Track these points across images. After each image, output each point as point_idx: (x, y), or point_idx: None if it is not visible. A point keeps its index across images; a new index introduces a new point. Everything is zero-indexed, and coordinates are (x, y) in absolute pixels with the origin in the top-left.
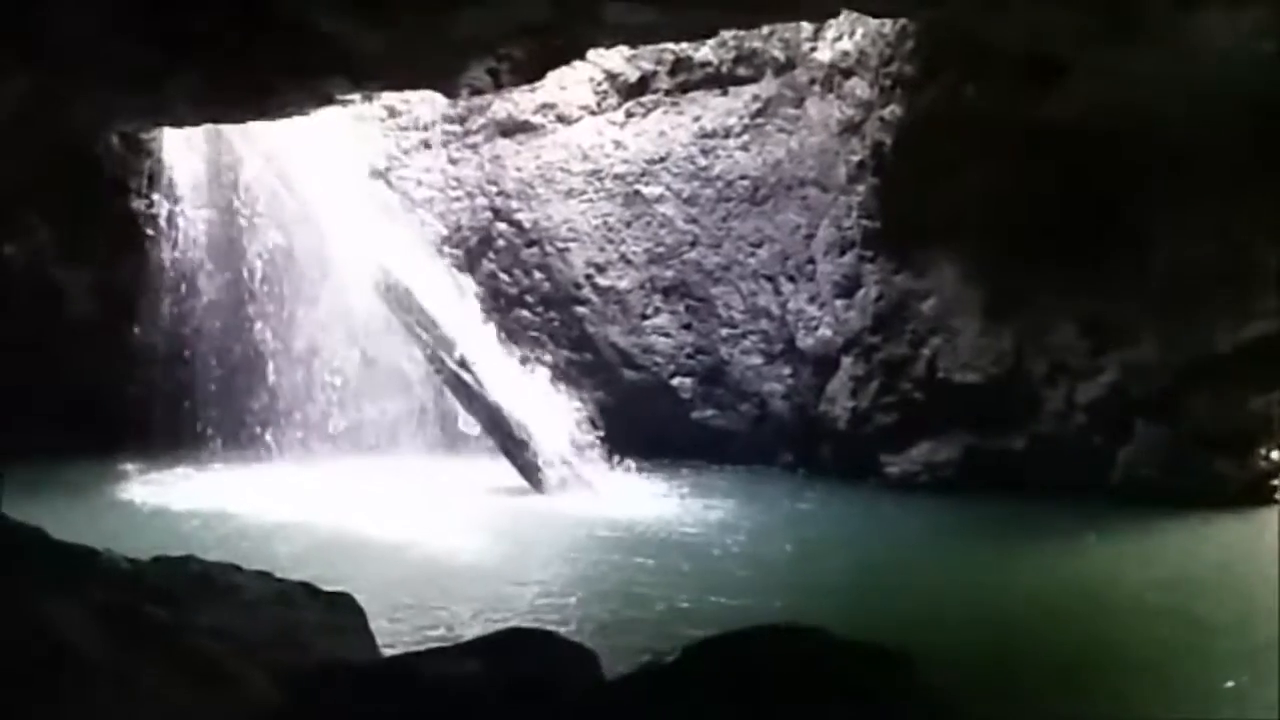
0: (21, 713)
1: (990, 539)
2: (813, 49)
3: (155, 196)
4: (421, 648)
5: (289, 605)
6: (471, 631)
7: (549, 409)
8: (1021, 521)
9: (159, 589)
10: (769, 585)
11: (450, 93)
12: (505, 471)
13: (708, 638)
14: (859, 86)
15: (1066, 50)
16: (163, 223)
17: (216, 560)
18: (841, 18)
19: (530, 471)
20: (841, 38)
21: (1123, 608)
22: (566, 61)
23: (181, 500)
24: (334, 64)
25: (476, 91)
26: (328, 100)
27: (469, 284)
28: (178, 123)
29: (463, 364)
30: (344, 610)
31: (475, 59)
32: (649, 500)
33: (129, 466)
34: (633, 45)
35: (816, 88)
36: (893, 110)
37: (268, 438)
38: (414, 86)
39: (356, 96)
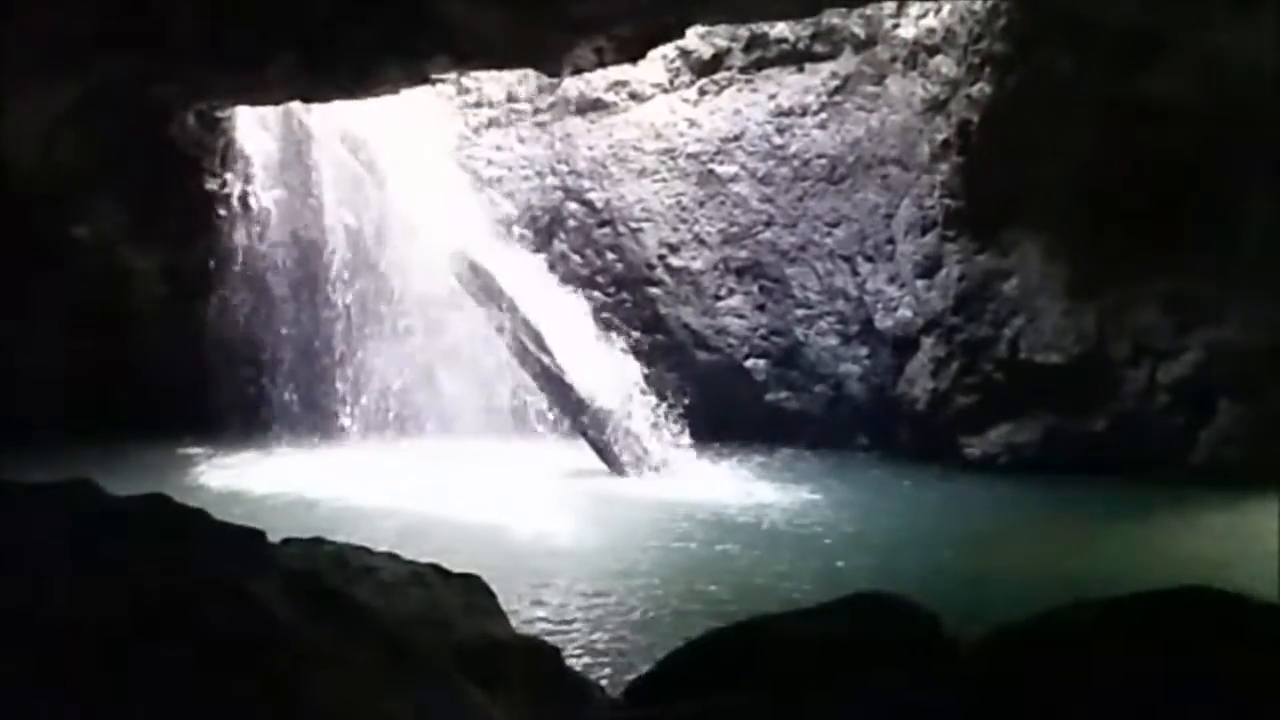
0: (242, 694)
1: (1104, 518)
2: (895, 26)
3: (228, 176)
4: (567, 629)
5: (425, 586)
6: (597, 615)
7: (626, 391)
8: (1128, 502)
9: (304, 570)
10: (885, 573)
11: (553, 71)
12: (579, 455)
13: (1101, 600)
14: (945, 64)
15: (1175, 26)
16: (235, 203)
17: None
18: None
19: (608, 454)
20: (927, 14)
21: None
22: (670, 39)
23: (259, 484)
24: (440, 44)
25: (578, 70)
26: (423, 80)
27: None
28: (264, 101)
29: (541, 346)
30: (477, 591)
31: (585, 38)
32: (730, 484)
33: (196, 450)
34: (737, 23)
35: (899, 65)
36: (981, 88)
37: (337, 421)
38: (517, 65)
39: (451, 75)
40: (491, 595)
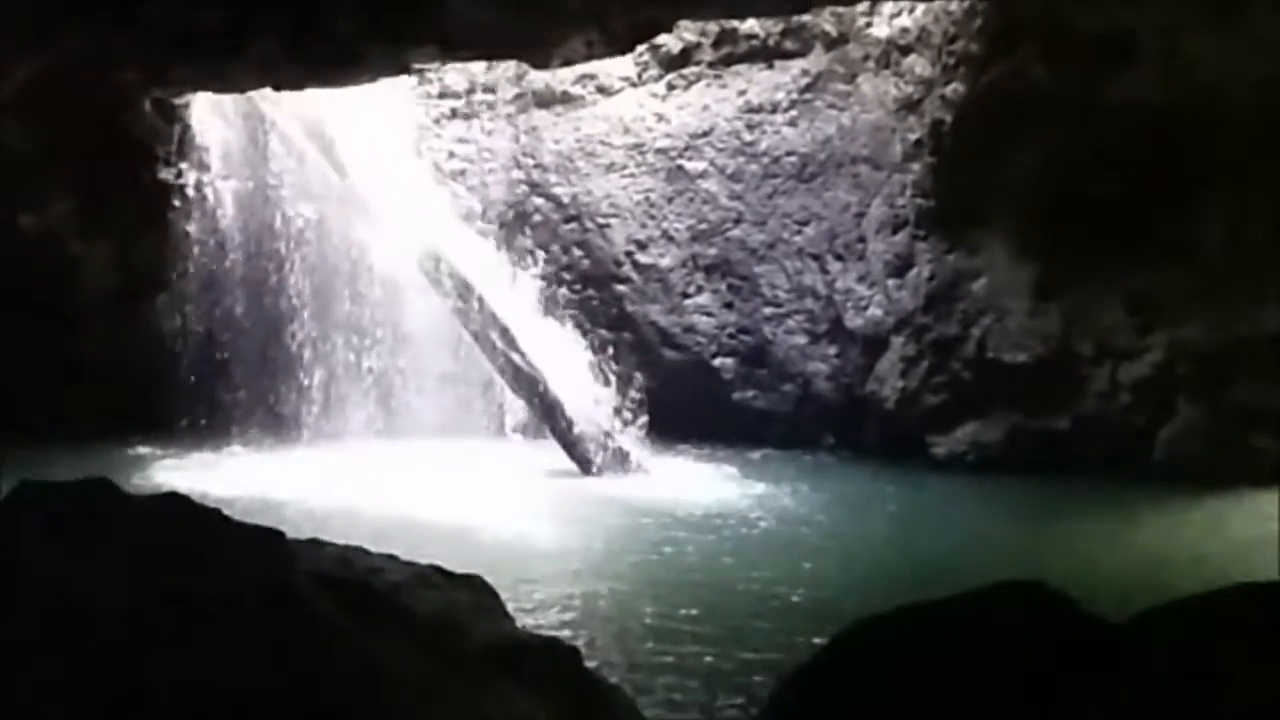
0: (321, 698)
1: (1077, 516)
2: (868, 25)
3: (184, 165)
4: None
5: (433, 587)
6: (592, 617)
7: (597, 390)
8: (1096, 500)
9: (323, 570)
10: (880, 577)
11: (540, 64)
12: (548, 455)
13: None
14: (919, 64)
15: (1148, 30)
16: (191, 193)
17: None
18: None
19: (579, 454)
20: (900, 14)
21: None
22: (660, 33)
23: (218, 486)
24: (430, 34)
25: (566, 63)
26: (406, 69)
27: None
28: (233, 88)
29: (511, 344)
30: (482, 592)
31: (579, 30)
32: (704, 484)
33: (144, 450)
34: (728, 19)
35: (871, 64)
36: (955, 88)
37: (294, 421)
38: (505, 57)
39: (435, 65)
40: (496, 596)
